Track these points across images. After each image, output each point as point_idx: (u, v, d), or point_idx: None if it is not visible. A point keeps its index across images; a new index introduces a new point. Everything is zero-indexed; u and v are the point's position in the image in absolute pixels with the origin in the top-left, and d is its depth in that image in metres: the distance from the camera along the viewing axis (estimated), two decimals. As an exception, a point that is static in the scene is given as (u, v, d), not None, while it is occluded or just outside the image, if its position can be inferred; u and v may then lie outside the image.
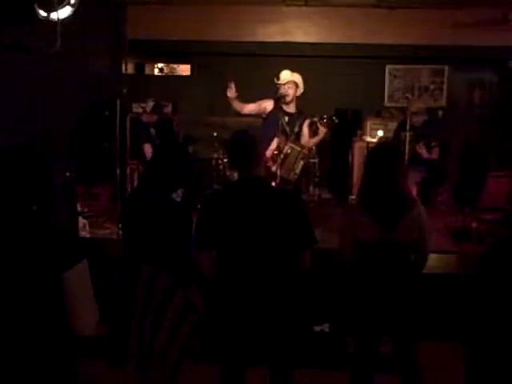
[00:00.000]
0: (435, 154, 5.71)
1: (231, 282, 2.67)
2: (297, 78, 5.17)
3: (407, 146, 5.26)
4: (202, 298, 2.79)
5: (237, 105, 5.16)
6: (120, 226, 3.06)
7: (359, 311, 2.87)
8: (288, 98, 5.12)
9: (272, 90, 5.23)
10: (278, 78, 5.16)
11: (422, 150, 5.56)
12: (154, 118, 6.44)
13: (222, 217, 2.64)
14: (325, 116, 5.04)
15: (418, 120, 5.73)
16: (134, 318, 2.73)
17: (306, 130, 5.17)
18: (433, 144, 5.55)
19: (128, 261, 2.85)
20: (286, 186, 5.02)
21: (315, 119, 5.05)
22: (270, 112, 5.16)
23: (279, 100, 5.14)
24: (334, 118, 5.10)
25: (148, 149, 6.01)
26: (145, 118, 6.38)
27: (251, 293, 2.63)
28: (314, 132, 5.10)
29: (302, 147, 5.07)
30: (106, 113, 6.07)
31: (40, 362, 1.87)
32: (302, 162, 5.06)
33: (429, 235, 2.86)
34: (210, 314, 2.81)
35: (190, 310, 2.76)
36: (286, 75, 5.16)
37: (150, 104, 6.76)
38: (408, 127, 5.33)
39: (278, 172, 4.89)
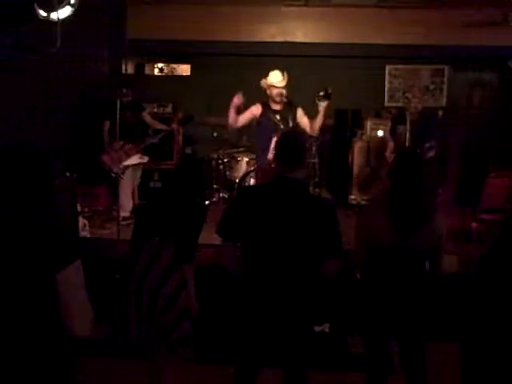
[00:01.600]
0: (432, 153, 5.70)
1: (254, 280, 2.67)
2: (284, 76, 5.18)
3: (406, 142, 5.26)
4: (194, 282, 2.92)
5: (231, 119, 5.11)
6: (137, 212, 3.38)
7: (370, 312, 2.86)
8: (284, 99, 5.12)
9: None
10: (268, 79, 5.13)
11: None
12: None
13: (253, 212, 2.65)
14: (320, 93, 4.99)
15: (417, 108, 5.67)
16: (132, 291, 2.87)
17: (303, 119, 5.16)
18: (431, 145, 5.54)
19: (134, 240, 3.02)
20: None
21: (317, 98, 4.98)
22: (261, 115, 5.15)
23: (271, 101, 5.13)
24: (326, 89, 5.00)
25: (107, 126, 5.95)
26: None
27: (272, 293, 2.62)
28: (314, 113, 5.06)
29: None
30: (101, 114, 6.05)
31: (37, 364, 1.86)
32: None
33: (444, 244, 2.87)
34: (231, 311, 2.84)
35: (181, 294, 2.87)
36: (277, 76, 5.14)
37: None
38: (408, 123, 5.32)
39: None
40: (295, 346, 2.72)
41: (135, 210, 3.40)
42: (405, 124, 5.37)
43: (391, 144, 5.88)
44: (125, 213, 5.63)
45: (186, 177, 3.26)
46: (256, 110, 5.17)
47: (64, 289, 1.85)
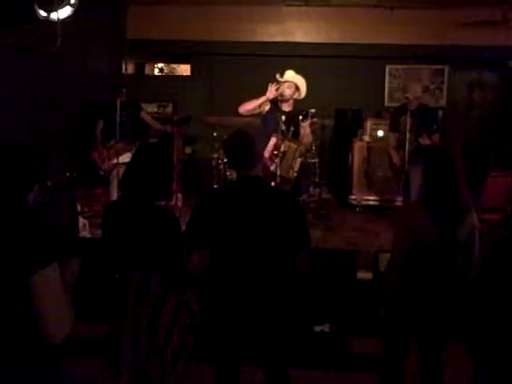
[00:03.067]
0: (435, 139, 5.61)
1: (224, 281, 2.67)
2: (299, 79, 5.14)
3: (408, 134, 5.22)
4: (197, 304, 2.70)
5: (250, 106, 5.10)
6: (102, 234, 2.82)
7: (401, 313, 2.82)
8: (283, 98, 5.10)
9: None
10: (282, 77, 5.15)
11: (425, 140, 5.45)
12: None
13: (218, 215, 2.64)
14: (299, 116, 5.05)
15: (417, 95, 5.59)
16: (126, 326, 2.61)
17: (306, 130, 5.17)
18: (433, 128, 5.47)
19: (113, 268, 2.72)
20: (286, 185, 5.01)
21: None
22: (268, 112, 5.16)
23: (277, 99, 5.14)
24: (306, 111, 5.06)
25: (100, 125, 5.85)
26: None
27: (244, 291, 2.63)
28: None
29: (299, 144, 5.07)
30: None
31: (19, 369, 1.83)
32: (299, 160, 5.05)
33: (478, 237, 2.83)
34: (203, 313, 2.81)
35: (183, 310, 2.74)
36: (288, 74, 5.15)
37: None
38: (409, 114, 5.28)
39: (278, 171, 4.88)
40: (272, 343, 2.71)
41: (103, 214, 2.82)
42: (405, 115, 5.35)
43: (394, 136, 5.81)
44: None
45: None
46: (264, 105, 5.18)
47: (37, 293, 1.79)
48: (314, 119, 5.24)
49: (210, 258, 2.67)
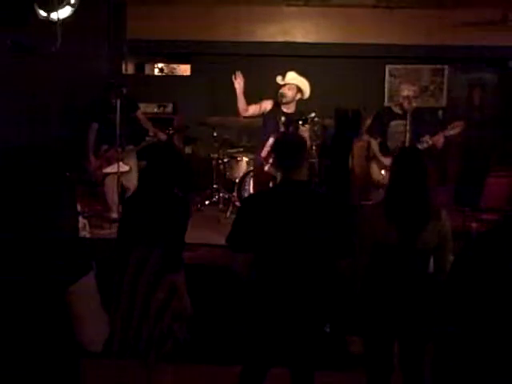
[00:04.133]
0: (439, 139, 5.27)
1: (267, 284, 2.65)
2: (300, 81, 5.12)
3: (407, 135, 5.18)
4: (186, 286, 2.90)
5: (241, 105, 5.11)
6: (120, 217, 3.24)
7: (373, 314, 2.84)
8: (285, 100, 5.09)
9: (272, 90, 5.24)
10: (284, 79, 5.14)
11: (440, 138, 5.16)
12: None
13: (263, 219, 2.61)
14: (299, 121, 5.03)
15: (412, 94, 5.39)
16: (121, 303, 2.77)
17: (305, 134, 5.16)
18: (455, 124, 5.28)
19: (120, 247, 2.96)
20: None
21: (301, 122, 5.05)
22: (269, 112, 5.16)
23: (278, 100, 5.14)
24: (305, 116, 5.04)
25: (94, 127, 5.67)
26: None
27: (287, 296, 2.62)
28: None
29: None
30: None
31: (43, 376, 1.81)
32: None
33: (451, 243, 2.81)
34: (242, 315, 2.81)
35: (174, 298, 2.80)
36: (289, 76, 5.13)
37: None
38: (408, 120, 5.22)
39: (272, 171, 4.88)
40: (308, 347, 2.72)
41: (123, 204, 3.37)
42: (394, 119, 5.29)
43: (375, 143, 5.53)
44: (114, 214, 5.60)
45: (157, 163, 3.04)
46: (266, 105, 5.18)
47: (76, 303, 1.78)
48: (316, 119, 5.23)
49: (254, 261, 2.65)
